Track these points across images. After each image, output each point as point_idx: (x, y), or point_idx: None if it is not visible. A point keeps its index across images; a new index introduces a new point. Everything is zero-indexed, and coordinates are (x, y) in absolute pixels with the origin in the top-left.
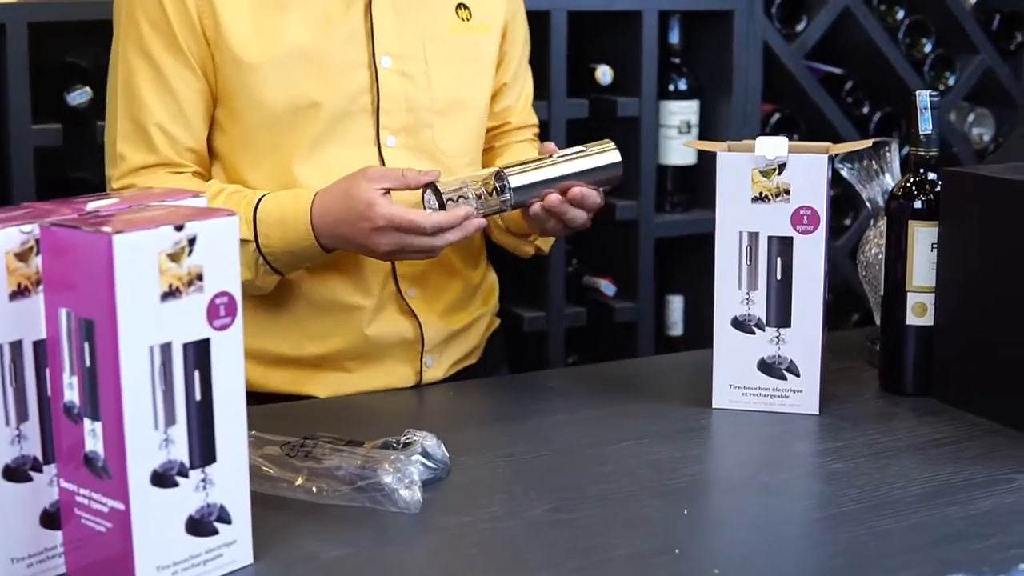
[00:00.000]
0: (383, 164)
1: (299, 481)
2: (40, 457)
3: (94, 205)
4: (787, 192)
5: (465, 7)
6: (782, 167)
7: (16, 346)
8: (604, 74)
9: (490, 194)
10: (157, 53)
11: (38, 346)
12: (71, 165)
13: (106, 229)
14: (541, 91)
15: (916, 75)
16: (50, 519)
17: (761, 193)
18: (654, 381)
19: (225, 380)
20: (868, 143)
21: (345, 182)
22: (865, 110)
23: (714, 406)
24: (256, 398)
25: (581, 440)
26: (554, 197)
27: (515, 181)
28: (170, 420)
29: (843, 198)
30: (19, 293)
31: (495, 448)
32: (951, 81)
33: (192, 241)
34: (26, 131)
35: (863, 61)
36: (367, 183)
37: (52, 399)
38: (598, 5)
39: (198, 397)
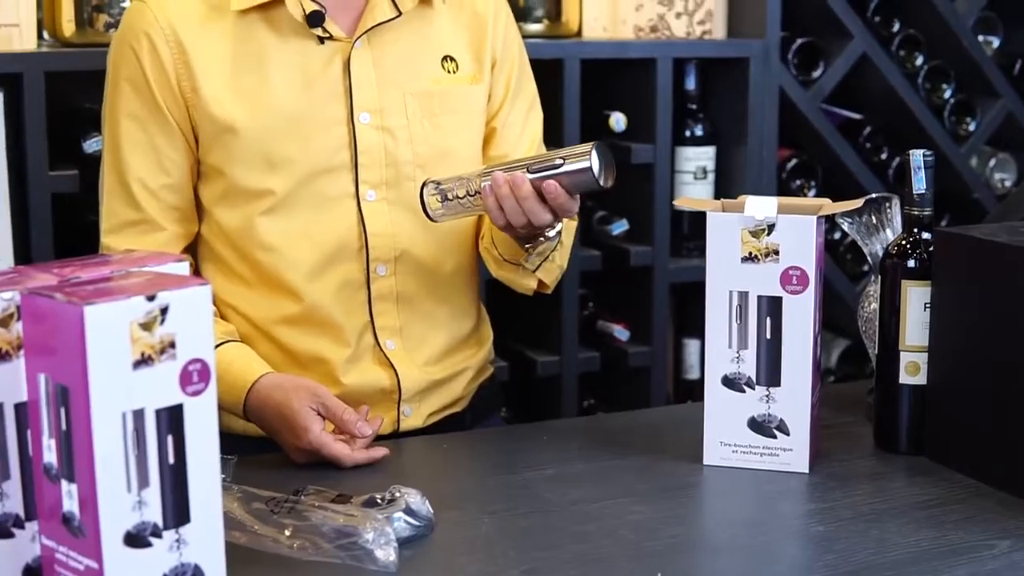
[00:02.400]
0: (362, 218)
1: (283, 537)
2: (22, 514)
3: (77, 271)
4: (776, 252)
5: (452, 59)
6: (771, 227)
7: None
8: (618, 121)
9: (476, 193)
10: (139, 113)
11: (20, 408)
12: (88, 210)
13: (78, 300)
14: (555, 138)
15: (936, 121)
16: (33, 574)
17: (751, 253)
18: (651, 434)
19: (199, 443)
20: (860, 202)
21: (291, 392)
22: (883, 156)
23: (705, 463)
24: (240, 442)
25: (567, 496)
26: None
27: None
28: (143, 483)
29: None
30: (0, 358)
31: (480, 504)
32: (972, 127)
33: (164, 310)
34: (44, 177)
35: (882, 107)
36: (308, 404)
37: (33, 460)
38: (612, 53)
39: (171, 460)
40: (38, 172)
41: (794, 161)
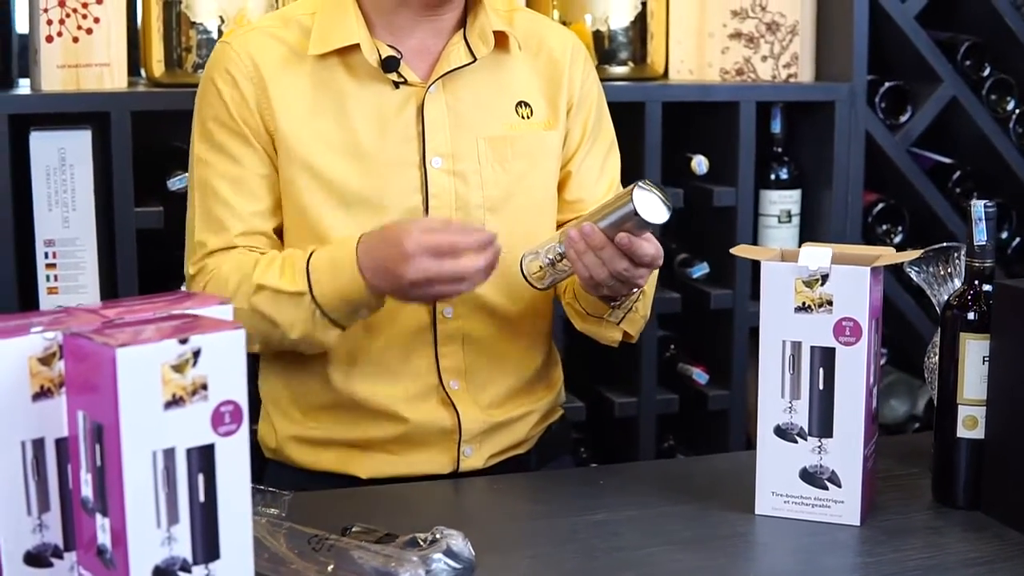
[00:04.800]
0: None
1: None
2: (61, 545)
3: (123, 312)
4: (829, 303)
5: (526, 104)
6: (825, 277)
7: (39, 443)
8: (700, 164)
9: (562, 256)
10: (225, 144)
11: (60, 443)
12: (172, 246)
13: (112, 342)
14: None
15: None
16: None
17: (804, 303)
18: (708, 481)
19: (230, 482)
20: (918, 253)
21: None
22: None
23: (756, 513)
24: (300, 475)
25: (612, 542)
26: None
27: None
28: (173, 519)
29: None
30: (42, 394)
31: (523, 547)
32: None
33: (197, 353)
34: (129, 214)
35: (972, 151)
36: (409, 222)
37: (72, 493)
38: (695, 97)
39: (202, 498)
40: (124, 208)
41: (880, 205)
